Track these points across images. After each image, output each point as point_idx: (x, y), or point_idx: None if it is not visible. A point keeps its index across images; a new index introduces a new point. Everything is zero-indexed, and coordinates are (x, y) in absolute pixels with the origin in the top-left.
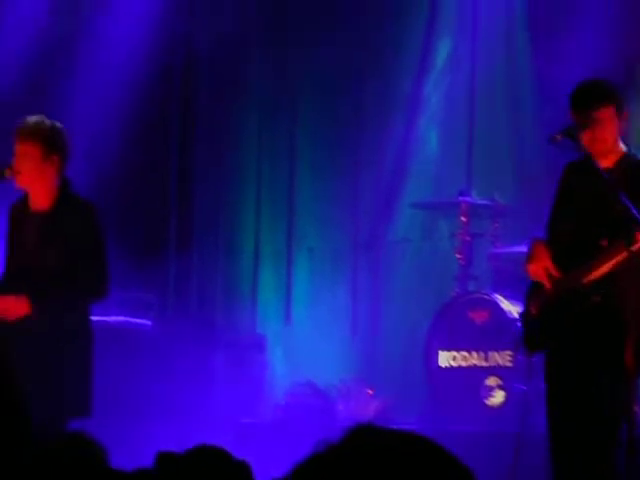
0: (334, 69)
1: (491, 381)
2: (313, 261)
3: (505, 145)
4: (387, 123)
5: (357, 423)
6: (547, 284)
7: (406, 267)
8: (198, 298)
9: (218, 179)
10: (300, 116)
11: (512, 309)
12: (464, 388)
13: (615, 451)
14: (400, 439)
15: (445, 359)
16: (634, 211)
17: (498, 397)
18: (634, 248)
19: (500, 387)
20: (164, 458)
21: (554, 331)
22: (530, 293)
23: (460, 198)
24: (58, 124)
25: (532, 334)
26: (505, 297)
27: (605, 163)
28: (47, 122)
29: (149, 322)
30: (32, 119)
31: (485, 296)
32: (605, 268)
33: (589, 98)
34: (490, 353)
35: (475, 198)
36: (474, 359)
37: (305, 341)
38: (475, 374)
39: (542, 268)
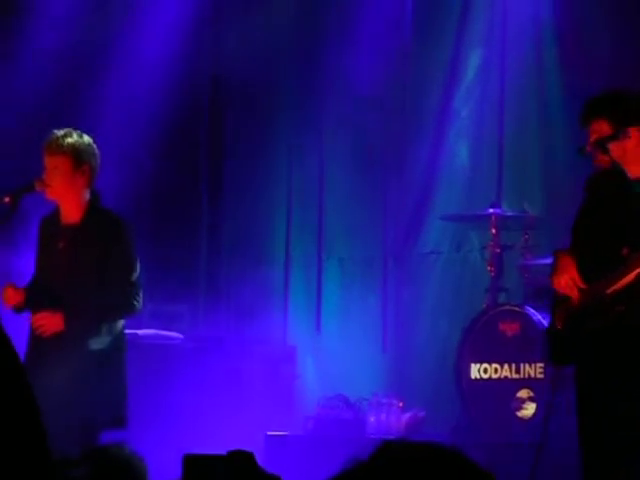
0: (363, 82)
1: (522, 393)
2: (343, 272)
3: (535, 157)
4: (417, 135)
5: (386, 439)
6: (574, 295)
7: (437, 279)
8: (228, 310)
9: (248, 190)
10: (330, 128)
11: (543, 321)
12: (495, 400)
13: None
14: (430, 452)
15: (476, 371)
16: None
17: (529, 409)
18: None
19: (531, 399)
20: (191, 460)
21: (579, 343)
22: (555, 306)
23: (490, 210)
24: (86, 136)
25: (558, 348)
26: (536, 309)
27: (636, 174)
28: (75, 134)
29: (180, 335)
30: (60, 132)
31: (516, 308)
32: (628, 278)
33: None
34: (521, 365)
35: (505, 210)
36: (505, 371)
37: (335, 352)
38: (506, 386)
39: (568, 279)
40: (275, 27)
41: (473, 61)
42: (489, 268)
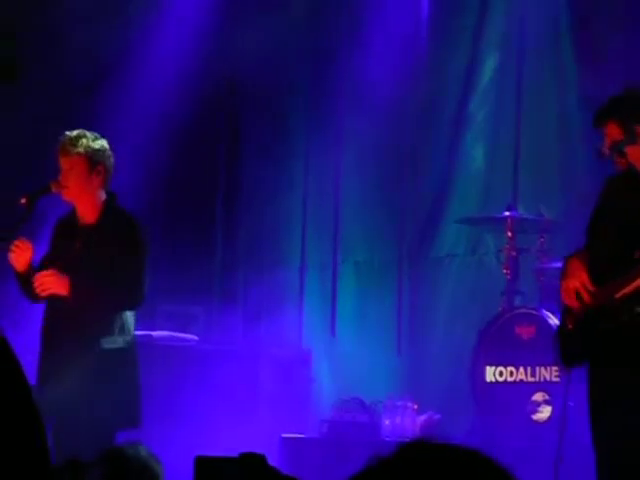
0: (379, 85)
1: (538, 396)
2: (359, 275)
3: (552, 160)
4: (433, 138)
5: (409, 438)
6: (585, 298)
7: (452, 282)
8: (243, 312)
9: (264, 193)
10: (346, 131)
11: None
12: (511, 403)
13: None
14: (454, 452)
15: (492, 374)
16: None
17: (545, 412)
18: None
19: (547, 402)
20: (203, 462)
21: (589, 345)
22: (566, 307)
23: (506, 213)
24: (100, 137)
25: (568, 349)
26: (552, 312)
27: None
28: (89, 135)
29: (195, 337)
30: (73, 133)
31: (532, 311)
32: (638, 282)
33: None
34: (537, 368)
35: (521, 213)
36: (521, 374)
37: (351, 356)
38: (522, 389)
39: (579, 283)
40: (290, 30)
41: (489, 64)
42: (505, 271)
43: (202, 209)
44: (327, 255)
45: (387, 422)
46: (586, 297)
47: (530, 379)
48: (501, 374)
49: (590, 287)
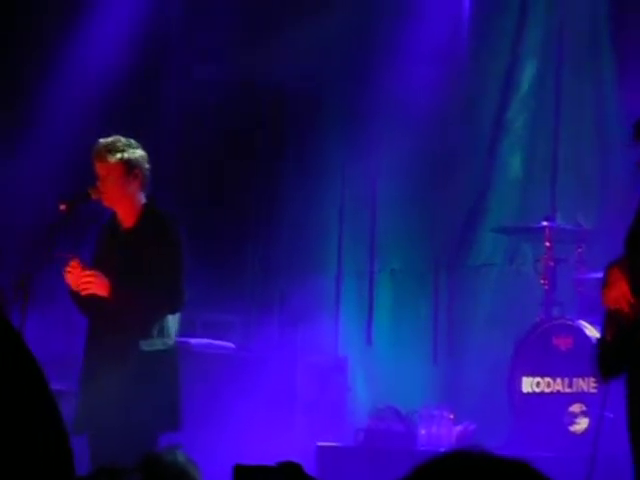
0: (417, 93)
1: (575, 408)
2: (395, 284)
3: (590, 169)
4: (471, 146)
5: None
6: (626, 309)
7: (490, 291)
8: (280, 320)
9: (301, 202)
10: (383, 139)
11: (596, 335)
12: (548, 414)
13: None
14: (503, 464)
15: (529, 385)
16: None
17: (582, 424)
18: None
19: (584, 414)
20: (241, 470)
21: (629, 356)
22: (607, 319)
23: (544, 223)
24: (134, 141)
25: (607, 360)
26: (590, 323)
27: None
28: (124, 140)
29: (232, 345)
30: (108, 140)
31: (569, 322)
32: None
33: None
34: (574, 379)
35: (560, 223)
36: (558, 385)
37: (387, 364)
38: (559, 400)
39: (619, 294)
40: (329, 40)
41: (528, 72)
42: (542, 281)
43: (240, 219)
44: (364, 263)
45: (423, 432)
46: (626, 307)
47: (567, 390)
48: (538, 385)
49: (630, 298)
